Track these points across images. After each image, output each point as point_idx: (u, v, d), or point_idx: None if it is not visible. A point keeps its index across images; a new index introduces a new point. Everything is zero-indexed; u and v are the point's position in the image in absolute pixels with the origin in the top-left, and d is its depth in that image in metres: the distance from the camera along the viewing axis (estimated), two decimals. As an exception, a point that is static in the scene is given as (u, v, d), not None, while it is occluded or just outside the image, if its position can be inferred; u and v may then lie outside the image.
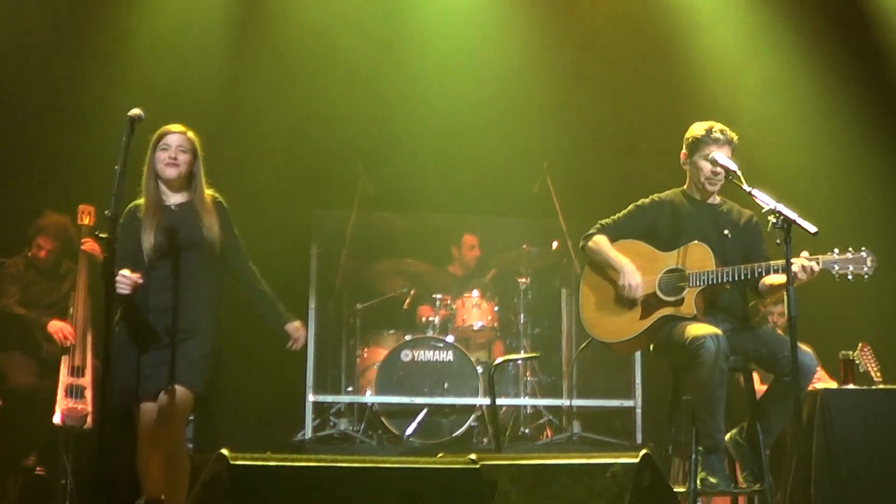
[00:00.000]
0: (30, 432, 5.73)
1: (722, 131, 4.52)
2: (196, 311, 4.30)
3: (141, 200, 4.38)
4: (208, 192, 4.46)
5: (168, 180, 4.37)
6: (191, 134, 4.42)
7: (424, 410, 6.70)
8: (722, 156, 4.44)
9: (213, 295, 4.42)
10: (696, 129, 4.57)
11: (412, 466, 3.21)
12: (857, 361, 5.43)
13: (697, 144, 4.54)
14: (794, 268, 4.09)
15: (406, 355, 6.77)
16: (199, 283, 4.34)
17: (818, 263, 4.19)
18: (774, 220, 4.00)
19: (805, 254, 4.21)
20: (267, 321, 4.59)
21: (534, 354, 6.92)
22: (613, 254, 4.55)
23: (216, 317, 4.43)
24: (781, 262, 4.13)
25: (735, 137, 4.54)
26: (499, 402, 6.57)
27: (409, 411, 6.70)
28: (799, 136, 7.24)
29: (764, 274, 4.30)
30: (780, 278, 4.30)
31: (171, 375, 4.17)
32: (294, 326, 4.60)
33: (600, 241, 4.59)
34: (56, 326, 5.75)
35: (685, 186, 4.67)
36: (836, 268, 4.19)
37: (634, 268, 4.49)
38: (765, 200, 4.09)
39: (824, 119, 7.15)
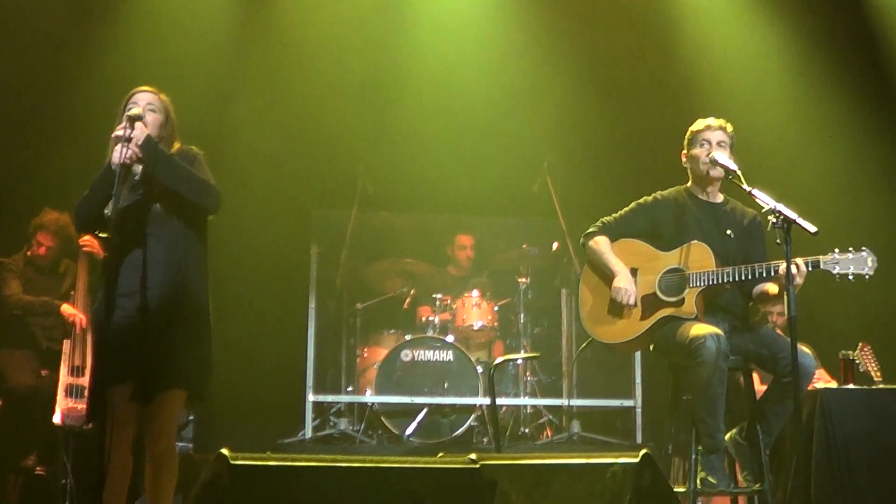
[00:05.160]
0: (30, 432, 5.74)
1: (714, 119, 4.57)
2: (169, 290, 3.86)
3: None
4: (177, 144, 4.04)
5: None
6: (163, 96, 4.05)
7: (424, 410, 6.69)
8: (722, 156, 4.45)
9: (190, 270, 3.92)
10: (692, 126, 4.63)
11: (412, 466, 3.21)
12: (857, 361, 5.42)
13: (694, 136, 4.59)
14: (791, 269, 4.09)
15: (406, 355, 6.77)
16: (168, 260, 3.88)
17: (819, 265, 4.16)
18: (774, 220, 4.00)
19: (798, 260, 4.16)
20: None
21: (534, 354, 6.92)
22: (611, 258, 4.56)
23: (202, 293, 3.97)
24: (780, 262, 4.13)
25: (728, 126, 4.56)
26: (499, 401, 6.56)
27: (409, 411, 6.70)
28: (799, 135, 7.24)
29: (764, 274, 4.29)
30: (773, 288, 4.35)
31: (153, 368, 3.80)
32: None
33: (600, 243, 4.60)
34: (70, 311, 5.77)
35: (688, 185, 4.67)
36: (837, 268, 4.17)
37: (628, 273, 4.50)
38: (765, 200, 4.09)
39: (825, 118, 7.15)
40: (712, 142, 4.50)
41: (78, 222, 4.07)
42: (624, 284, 4.48)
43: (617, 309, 4.54)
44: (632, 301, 4.47)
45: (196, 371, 3.94)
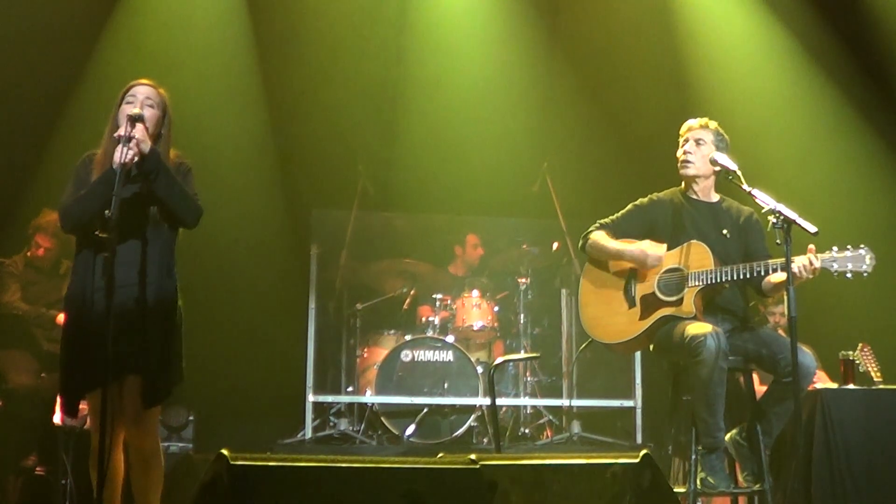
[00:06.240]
0: (30, 432, 5.74)
1: (694, 119, 4.61)
2: (150, 288, 3.86)
3: (99, 151, 3.95)
4: (173, 152, 4.03)
5: None
6: (162, 90, 4.00)
7: (424, 410, 6.70)
8: (722, 156, 4.45)
9: (165, 269, 3.93)
10: None
11: (412, 466, 3.20)
12: (857, 361, 5.42)
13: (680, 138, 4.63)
14: (794, 268, 4.09)
15: (406, 355, 6.77)
16: (150, 257, 3.87)
17: (817, 260, 4.17)
18: (774, 220, 4.00)
19: (812, 246, 4.18)
20: None
21: (534, 354, 6.92)
22: (616, 244, 4.54)
23: (174, 293, 3.97)
24: (780, 260, 4.13)
25: (711, 124, 4.58)
26: (499, 402, 6.57)
27: (409, 411, 6.70)
28: (799, 135, 7.24)
29: (763, 273, 4.29)
30: (782, 276, 4.27)
31: (131, 365, 3.78)
32: None
33: (600, 237, 4.59)
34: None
35: (682, 186, 4.68)
36: (835, 266, 4.16)
37: (642, 242, 4.48)
38: (765, 200, 4.09)
39: (824, 118, 7.16)
40: (689, 140, 4.55)
41: (69, 223, 3.90)
42: (649, 257, 4.44)
43: (616, 309, 4.54)
44: (662, 255, 4.42)
45: (175, 373, 3.95)
